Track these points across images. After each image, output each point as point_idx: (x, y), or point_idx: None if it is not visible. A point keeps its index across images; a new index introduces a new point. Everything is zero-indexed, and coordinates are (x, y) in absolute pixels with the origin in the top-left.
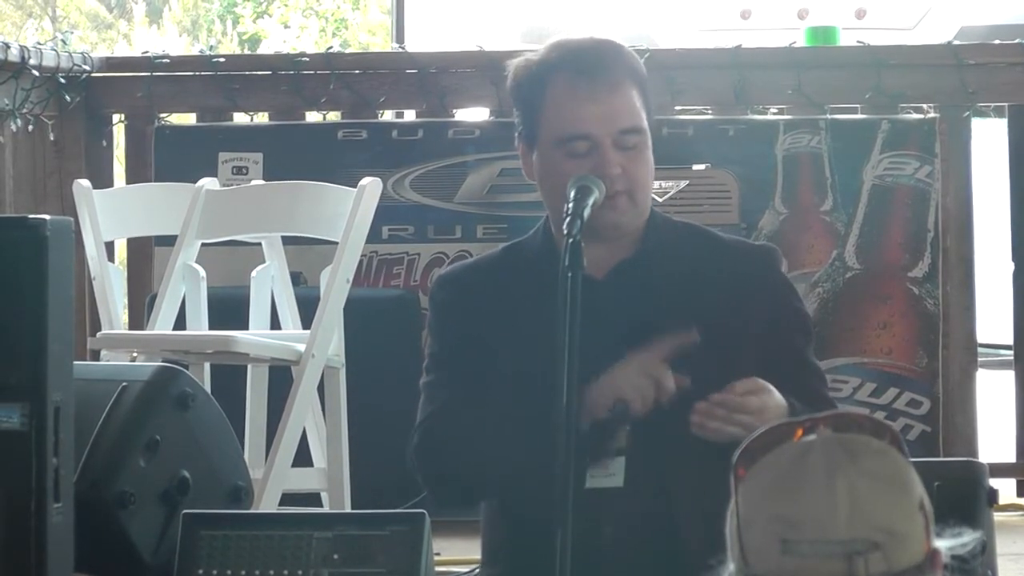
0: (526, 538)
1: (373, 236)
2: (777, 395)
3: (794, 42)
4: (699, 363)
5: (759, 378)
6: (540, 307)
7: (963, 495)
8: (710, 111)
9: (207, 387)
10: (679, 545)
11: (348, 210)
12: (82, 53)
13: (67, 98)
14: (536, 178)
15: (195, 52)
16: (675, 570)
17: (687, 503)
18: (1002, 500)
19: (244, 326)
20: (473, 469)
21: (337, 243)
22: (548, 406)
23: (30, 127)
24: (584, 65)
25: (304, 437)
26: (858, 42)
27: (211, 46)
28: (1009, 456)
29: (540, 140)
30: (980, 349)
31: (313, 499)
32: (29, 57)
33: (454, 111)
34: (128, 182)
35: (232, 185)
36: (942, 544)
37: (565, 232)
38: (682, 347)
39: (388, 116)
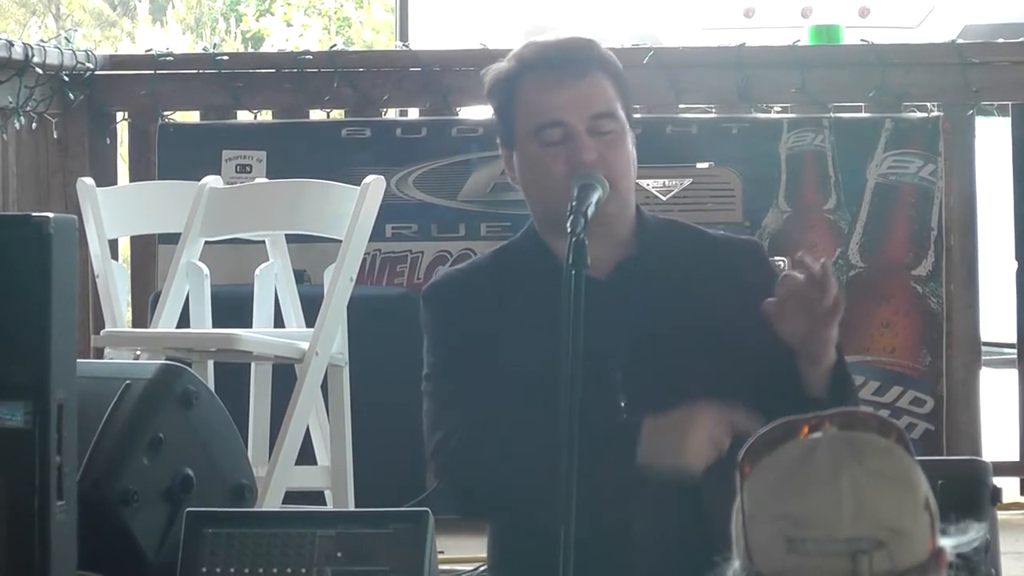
0: (536, 540)
1: (377, 234)
2: None
3: (798, 41)
4: (699, 361)
5: (760, 376)
6: (537, 308)
7: (966, 494)
8: (714, 109)
9: (211, 385)
10: (709, 540)
11: (352, 208)
12: (86, 51)
13: (71, 96)
14: (518, 179)
15: (199, 50)
16: (706, 565)
17: (716, 498)
18: (1005, 499)
19: (248, 324)
20: (511, 492)
21: (341, 241)
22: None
23: (34, 125)
24: (553, 59)
25: (308, 435)
26: (862, 41)
27: (215, 44)
28: (1013, 455)
29: (517, 138)
30: (983, 347)
31: (317, 497)
32: (33, 55)
33: (458, 109)
34: (132, 180)
35: (236, 183)
36: (947, 543)
37: (569, 230)
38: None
39: (392, 114)
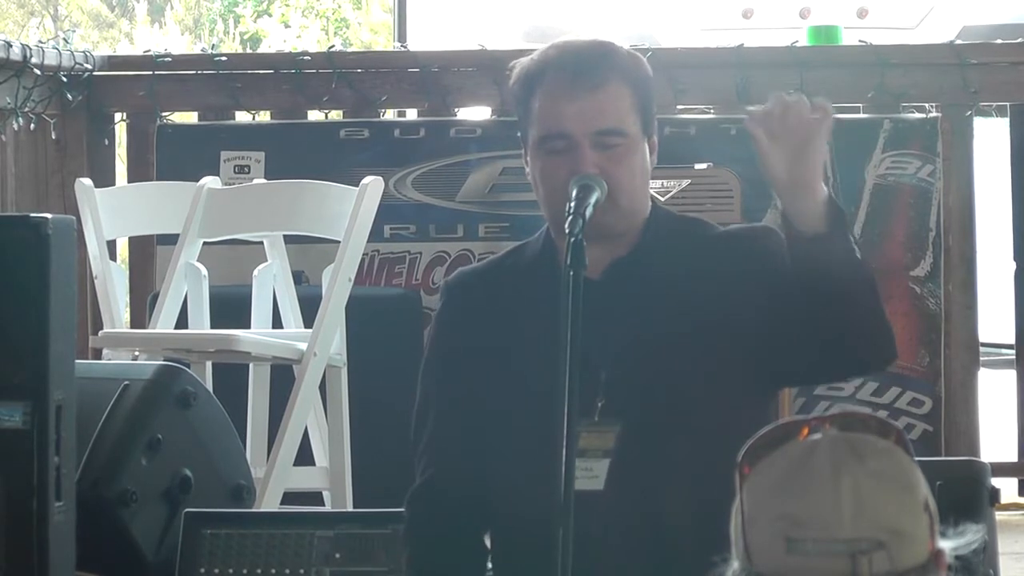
0: (535, 541)
1: (375, 235)
2: None
3: (796, 41)
4: (695, 361)
5: (762, 366)
6: (539, 312)
7: (965, 494)
8: (712, 110)
9: (209, 386)
10: (664, 551)
11: (350, 209)
12: (84, 52)
13: (69, 97)
14: (529, 178)
15: (197, 51)
16: (660, 574)
17: (673, 510)
18: (1004, 499)
19: (246, 325)
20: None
21: (339, 242)
22: (547, 420)
23: (32, 126)
24: (571, 65)
25: (306, 436)
26: (860, 41)
27: (213, 45)
28: (1011, 455)
29: (530, 141)
30: (982, 348)
31: (315, 498)
32: (31, 56)
33: (456, 110)
34: (130, 181)
35: (234, 184)
36: (946, 544)
37: (567, 231)
38: None
39: (390, 115)
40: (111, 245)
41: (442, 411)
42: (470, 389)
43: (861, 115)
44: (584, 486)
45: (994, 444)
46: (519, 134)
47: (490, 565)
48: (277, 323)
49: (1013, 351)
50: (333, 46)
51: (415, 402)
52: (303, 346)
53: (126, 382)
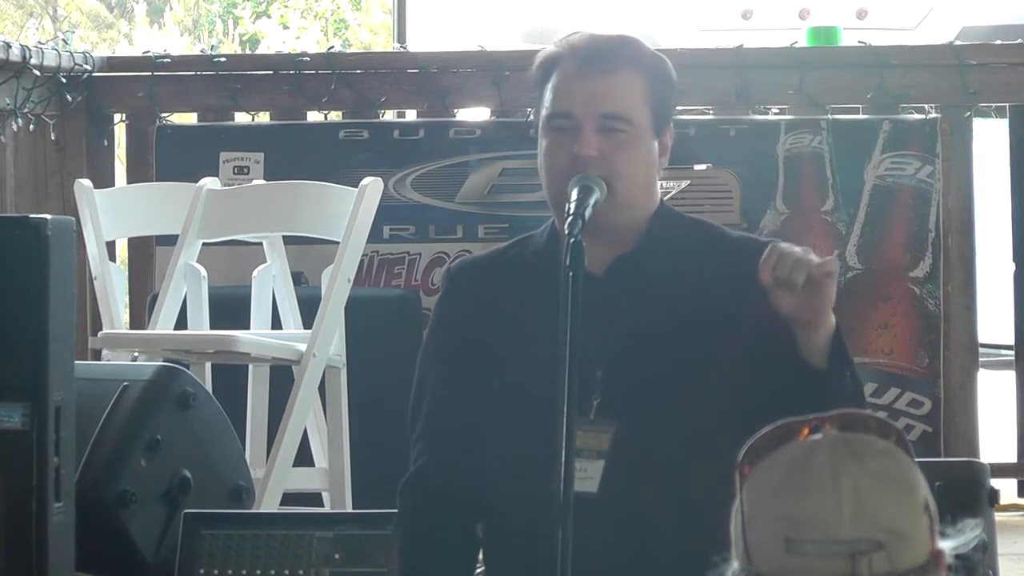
0: (529, 541)
1: (374, 236)
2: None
3: (795, 42)
4: (692, 362)
5: (761, 378)
6: (539, 306)
7: (964, 495)
8: (712, 111)
9: (208, 387)
10: (657, 554)
11: (349, 210)
12: (83, 53)
13: (68, 98)
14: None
15: (196, 52)
16: None
17: (667, 512)
18: (1003, 500)
19: (245, 326)
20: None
21: (338, 243)
22: (546, 417)
23: (31, 127)
24: (583, 52)
25: (305, 437)
26: (860, 42)
27: (212, 46)
28: (1010, 456)
29: (540, 125)
30: (981, 349)
31: (314, 499)
32: (30, 57)
33: (455, 111)
34: (129, 182)
35: (233, 185)
36: (946, 545)
37: (566, 232)
38: None
39: (389, 116)
40: (110, 246)
41: (436, 401)
42: (465, 380)
43: (860, 116)
44: (578, 487)
45: (993, 445)
46: (532, 118)
47: (484, 562)
48: (276, 324)
49: (1012, 352)
50: (332, 47)
51: (412, 390)
52: (302, 347)
53: (125, 383)
